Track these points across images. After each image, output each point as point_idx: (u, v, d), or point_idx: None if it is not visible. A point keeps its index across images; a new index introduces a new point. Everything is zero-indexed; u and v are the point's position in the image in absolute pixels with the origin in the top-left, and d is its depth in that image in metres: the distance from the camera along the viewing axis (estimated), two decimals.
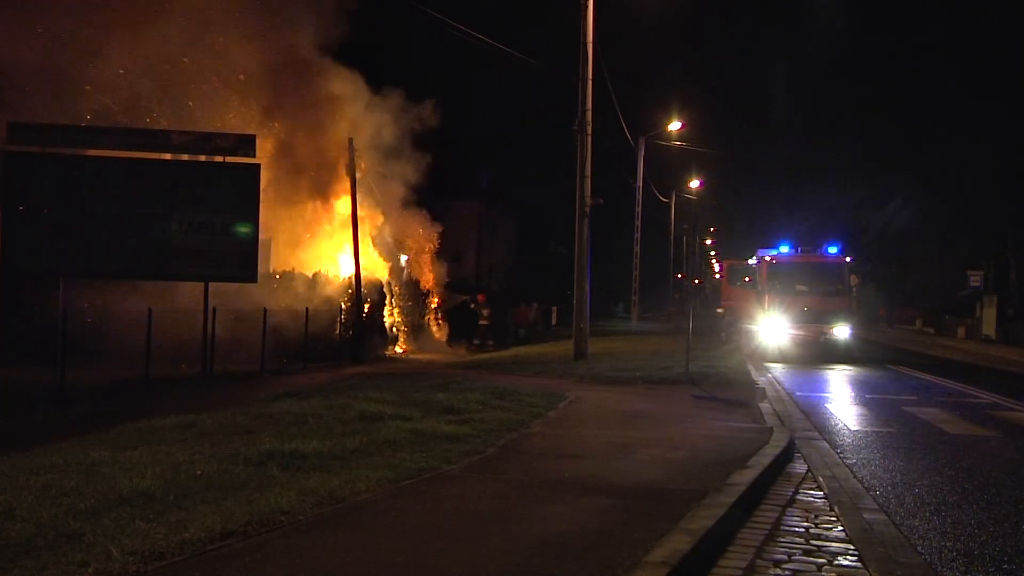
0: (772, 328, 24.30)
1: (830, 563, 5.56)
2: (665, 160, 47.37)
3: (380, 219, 23.73)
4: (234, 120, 19.25)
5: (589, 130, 20.23)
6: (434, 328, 25.42)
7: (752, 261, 27.90)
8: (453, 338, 25.90)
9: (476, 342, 26.38)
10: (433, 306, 25.79)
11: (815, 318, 23.89)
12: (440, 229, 25.92)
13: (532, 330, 33.39)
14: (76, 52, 16.89)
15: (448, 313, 26.57)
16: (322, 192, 22.52)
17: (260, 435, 8.36)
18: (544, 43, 24.85)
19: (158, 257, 15.59)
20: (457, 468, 7.32)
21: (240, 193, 15.93)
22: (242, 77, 19.55)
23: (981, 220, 43.81)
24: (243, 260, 15.96)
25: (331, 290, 21.19)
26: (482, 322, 27.06)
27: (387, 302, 23.27)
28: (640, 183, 40.79)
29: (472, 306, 27.22)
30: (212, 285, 16.06)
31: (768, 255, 25.59)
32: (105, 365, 14.47)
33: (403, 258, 24.91)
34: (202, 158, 16.46)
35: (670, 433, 9.59)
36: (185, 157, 16.37)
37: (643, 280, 43.74)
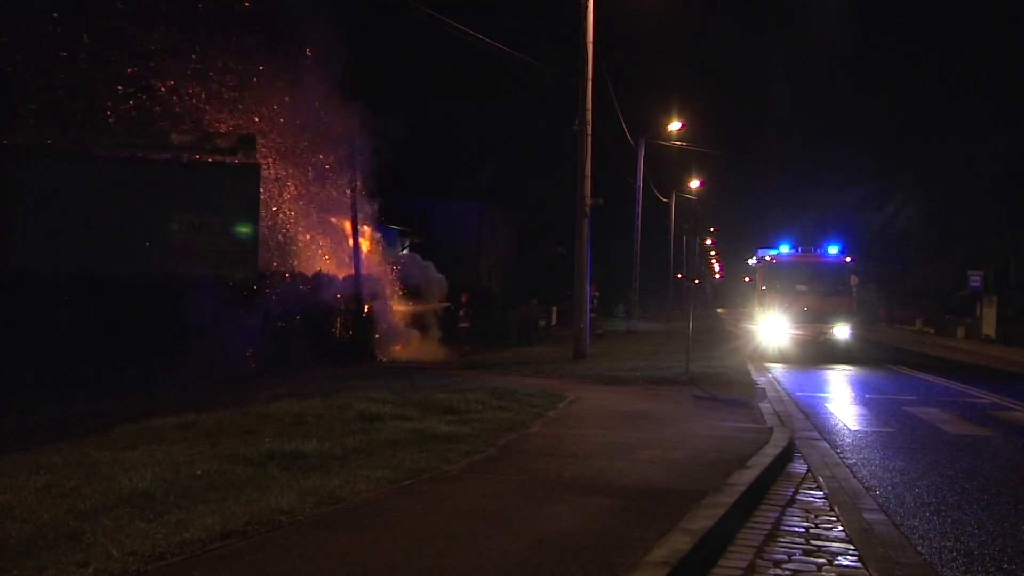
0: (772, 328, 24.31)
1: (830, 563, 5.56)
2: (665, 160, 47.38)
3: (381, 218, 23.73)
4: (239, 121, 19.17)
5: (589, 130, 20.21)
6: (434, 328, 25.24)
7: (752, 261, 27.88)
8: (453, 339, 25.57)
9: (466, 347, 24.59)
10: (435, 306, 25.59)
11: (815, 318, 23.90)
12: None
13: (531, 328, 31.76)
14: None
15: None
16: (323, 191, 22.47)
17: (260, 435, 8.35)
18: (544, 43, 24.80)
19: (158, 257, 15.59)
20: (457, 468, 7.31)
21: (240, 193, 15.93)
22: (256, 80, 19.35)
23: (981, 220, 43.80)
24: (243, 260, 15.96)
25: (331, 290, 21.15)
26: (462, 325, 25.31)
27: (388, 302, 23.21)
28: (640, 183, 40.79)
29: (461, 312, 25.41)
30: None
31: (768, 255, 25.59)
32: (105, 365, 14.46)
33: (403, 253, 24.80)
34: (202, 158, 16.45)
35: (670, 433, 9.59)
36: (185, 157, 16.37)
37: (643, 280, 43.78)
